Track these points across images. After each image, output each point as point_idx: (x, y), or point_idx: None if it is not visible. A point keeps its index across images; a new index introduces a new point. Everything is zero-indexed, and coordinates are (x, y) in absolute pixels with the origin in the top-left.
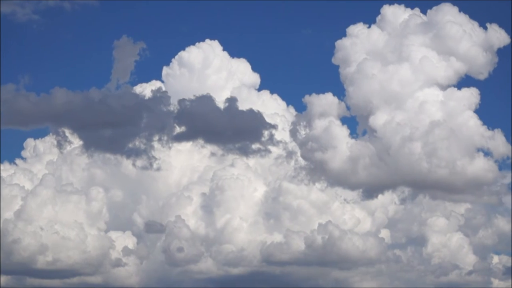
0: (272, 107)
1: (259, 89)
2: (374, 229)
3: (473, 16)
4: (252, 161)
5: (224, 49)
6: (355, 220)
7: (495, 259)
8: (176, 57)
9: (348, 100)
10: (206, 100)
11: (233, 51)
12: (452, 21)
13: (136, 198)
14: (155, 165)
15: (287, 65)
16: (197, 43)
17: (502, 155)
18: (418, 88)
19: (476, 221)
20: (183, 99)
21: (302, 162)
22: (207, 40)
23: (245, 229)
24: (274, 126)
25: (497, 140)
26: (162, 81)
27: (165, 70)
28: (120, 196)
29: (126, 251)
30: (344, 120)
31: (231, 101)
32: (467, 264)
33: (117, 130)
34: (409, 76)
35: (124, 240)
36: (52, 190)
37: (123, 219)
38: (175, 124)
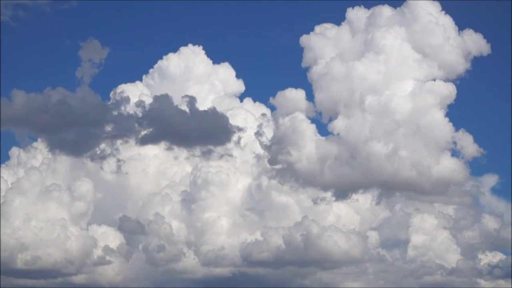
0: (256, 114)
1: (244, 95)
2: (357, 229)
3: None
4: (231, 160)
5: (207, 55)
6: (337, 219)
7: (482, 259)
8: (156, 66)
9: (316, 100)
10: (164, 99)
11: (217, 56)
12: (427, 18)
13: (119, 199)
14: (122, 169)
15: (271, 70)
16: (179, 49)
17: (471, 155)
18: (385, 87)
19: (462, 221)
20: (141, 101)
21: (268, 165)
22: (190, 45)
23: (225, 228)
24: (242, 129)
25: (465, 141)
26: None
27: (145, 79)
28: (101, 196)
29: (108, 250)
30: (314, 120)
31: (190, 99)
32: (453, 264)
33: (81, 132)
34: (377, 74)
35: (106, 240)
36: (34, 190)
37: (104, 218)
38: (140, 127)
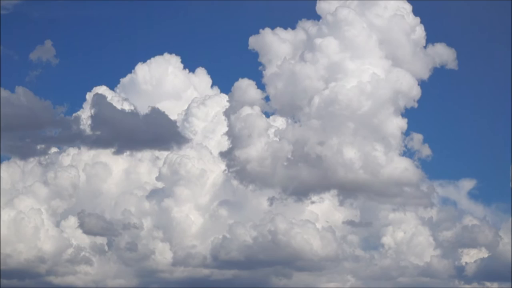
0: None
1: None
2: (332, 228)
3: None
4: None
5: (182, 62)
6: (311, 219)
7: (463, 259)
8: (127, 78)
9: (271, 100)
10: (100, 98)
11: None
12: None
13: (89, 198)
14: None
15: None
16: (152, 58)
17: (424, 156)
18: (338, 86)
19: (440, 221)
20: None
21: (225, 166)
22: (166, 54)
23: (196, 227)
24: (193, 132)
25: (419, 143)
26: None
27: (118, 87)
28: (74, 196)
29: (80, 250)
30: (269, 120)
31: (127, 99)
32: (431, 264)
33: (26, 135)
34: (327, 75)
35: (77, 239)
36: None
37: (76, 219)
38: (89, 130)
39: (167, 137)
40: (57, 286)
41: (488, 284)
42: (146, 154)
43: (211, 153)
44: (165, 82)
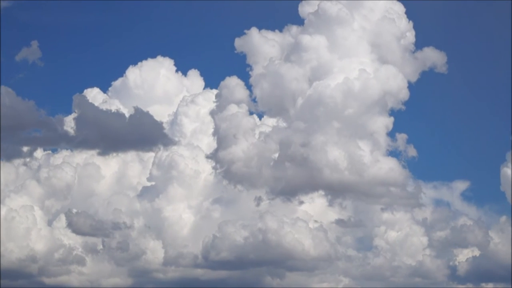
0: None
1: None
2: (324, 229)
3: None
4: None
5: (175, 65)
6: (303, 219)
7: (455, 260)
8: (119, 81)
9: (258, 100)
10: (83, 100)
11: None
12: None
13: (82, 198)
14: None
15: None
16: (144, 61)
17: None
18: (324, 88)
19: (433, 222)
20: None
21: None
22: (159, 57)
23: (187, 226)
24: (182, 134)
25: (403, 143)
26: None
27: (110, 90)
28: (67, 197)
29: (71, 250)
30: (256, 120)
31: (108, 99)
32: (424, 264)
33: (10, 136)
34: (315, 75)
35: (69, 240)
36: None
37: (66, 219)
38: (73, 132)
39: (152, 139)
40: (50, 286)
41: (483, 284)
42: (132, 155)
43: (196, 155)
44: (158, 85)
